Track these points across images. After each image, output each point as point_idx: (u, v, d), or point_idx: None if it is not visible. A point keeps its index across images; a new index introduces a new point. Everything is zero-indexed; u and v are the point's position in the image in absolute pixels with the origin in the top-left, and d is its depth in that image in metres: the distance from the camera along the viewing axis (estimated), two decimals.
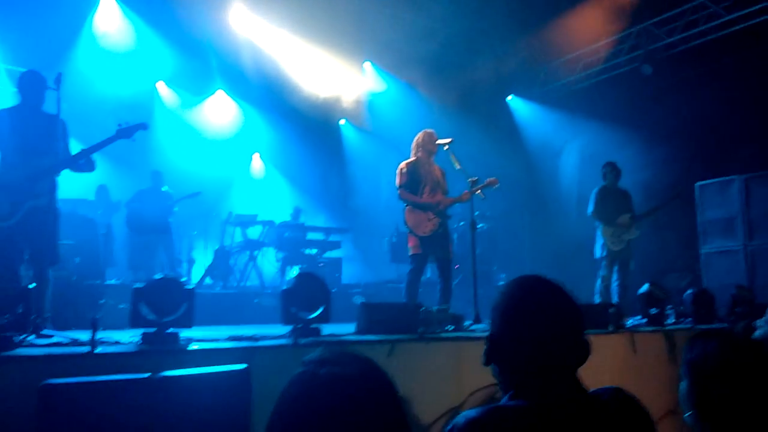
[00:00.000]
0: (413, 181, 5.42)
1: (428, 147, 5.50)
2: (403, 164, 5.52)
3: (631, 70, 9.24)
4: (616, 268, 6.75)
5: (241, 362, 2.52)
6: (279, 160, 12.18)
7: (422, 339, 3.47)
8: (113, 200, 8.37)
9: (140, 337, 2.98)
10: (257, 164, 12.47)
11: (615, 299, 6.48)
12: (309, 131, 11.40)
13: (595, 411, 1.33)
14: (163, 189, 8.24)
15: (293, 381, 1.06)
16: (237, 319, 6.54)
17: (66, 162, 4.11)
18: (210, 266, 8.58)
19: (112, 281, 6.78)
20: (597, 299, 6.59)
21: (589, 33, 9.29)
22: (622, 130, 8.98)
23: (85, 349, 2.68)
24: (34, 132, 4.06)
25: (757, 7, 7.75)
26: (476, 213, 5.77)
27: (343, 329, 3.96)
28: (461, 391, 3.27)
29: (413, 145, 5.58)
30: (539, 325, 1.36)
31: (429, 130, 5.59)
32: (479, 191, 5.32)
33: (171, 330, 3.03)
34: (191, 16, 8.57)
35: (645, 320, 4.96)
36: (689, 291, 5.24)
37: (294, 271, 8.55)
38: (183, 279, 7.92)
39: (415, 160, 5.54)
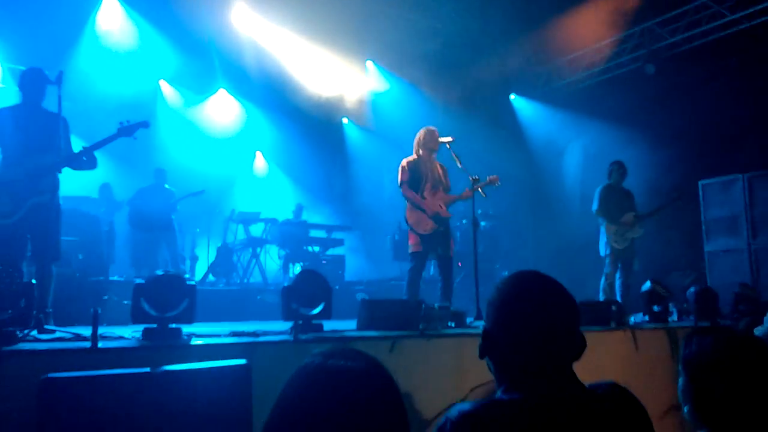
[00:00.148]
0: (415, 178, 5.42)
1: (429, 144, 5.49)
2: (404, 161, 5.52)
3: (634, 69, 9.23)
4: (619, 267, 6.74)
5: (242, 357, 2.53)
6: (282, 159, 12.20)
7: (423, 335, 3.48)
8: (116, 199, 8.40)
9: (142, 332, 2.99)
10: (260, 162, 12.50)
11: (618, 297, 6.48)
12: (311, 130, 11.41)
13: (590, 405, 1.32)
14: (165, 186, 8.26)
15: (300, 370, 1.08)
16: (240, 316, 6.56)
17: (68, 159, 4.13)
18: (213, 263, 8.60)
19: (116, 278, 6.81)
20: (601, 297, 6.58)
21: (591, 32, 9.27)
22: (625, 129, 8.96)
23: (87, 344, 2.69)
24: (36, 130, 4.08)
25: (760, 6, 7.73)
26: (479, 211, 5.79)
27: (345, 326, 3.97)
28: (462, 387, 3.28)
29: (415, 142, 5.58)
30: (532, 320, 1.37)
31: (430, 128, 5.59)
32: (480, 189, 5.31)
33: (173, 325, 3.04)
34: (193, 15, 8.59)
35: (648, 318, 4.96)
36: (692, 288, 5.23)
37: (297, 269, 8.58)
38: (186, 276, 7.95)
39: (416, 157, 5.54)
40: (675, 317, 5.20)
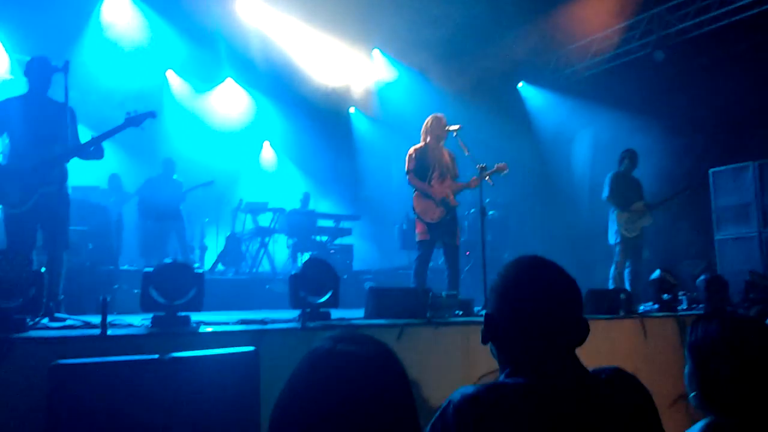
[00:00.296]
0: (422, 166, 5.40)
1: (437, 132, 5.46)
2: (411, 149, 5.50)
3: (643, 56, 9.12)
4: (629, 255, 6.71)
5: (250, 345, 2.54)
6: (289, 148, 12.20)
7: (431, 323, 3.48)
8: (125, 189, 8.44)
9: (151, 320, 3.01)
10: (267, 152, 12.50)
11: (627, 286, 6.45)
12: (319, 119, 11.40)
13: (593, 389, 1.32)
14: (173, 177, 8.29)
15: (309, 355, 1.08)
16: (249, 305, 6.59)
17: (76, 149, 4.14)
18: (222, 253, 8.64)
19: (126, 267, 6.85)
20: (611, 285, 6.55)
21: (600, 19, 9.17)
22: (634, 117, 8.88)
23: (96, 331, 2.71)
24: (44, 120, 4.09)
25: None
26: (487, 200, 5.75)
27: (353, 314, 3.98)
28: (470, 375, 3.28)
29: (422, 130, 5.56)
30: (533, 304, 1.36)
31: (438, 114, 5.55)
32: (488, 177, 5.28)
33: (181, 313, 3.05)
34: (199, 4, 8.57)
35: (657, 306, 4.94)
36: (702, 277, 5.20)
37: (305, 258, 8.59)
38: (196, 265, 7.99)
39: (424, 145, 5.51)
40: (685, 306, 5.17)
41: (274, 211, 9.20)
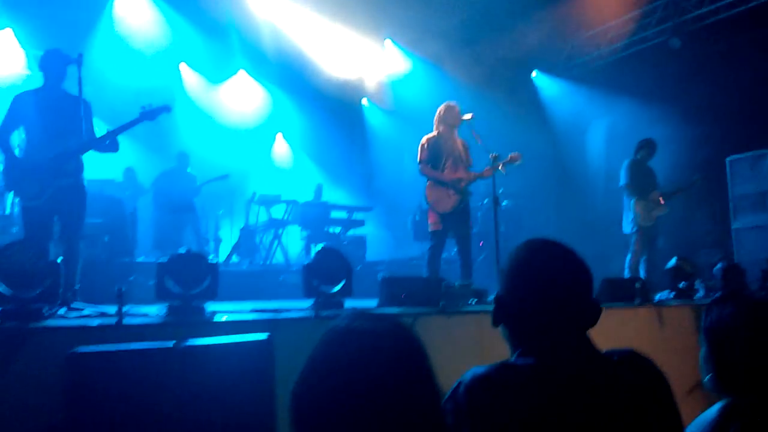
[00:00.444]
0: (435, 155, 5.37)
1: (449, 120, 5.43)
2: (424, 139, 5.47)
3: (659, 43, 8.98)
4: (644, 244, 6.65)
5: (264, 333, 2.56)
6: (302, 140, 12.21)
7: (444, 312, 3.47)
8: (140, 183, 8.51)
9: (166, 308, 3.04)
10: (280, 145, 12.52)
11: (643, 275, 6.40)
12: (332, 111, 11.39)
13: (605, 370, 1.31)
14: (187, 171, 8.35)
15: (326, 333, 1.09)
16: (263, 296, 6.62)
17: (91, 143, 4.17)
18: (236, 244, 8.68)
19: (141, 258, 6.91)
20: (627, 275, 6.50)
21: (614, 6, 9.05)
22: (650, 105, 8.77)
23: (113, 320, 2.74)
24: (59, 113, 4.12)
25: None
26: (500, 190, 5.72)
27: (366, 304, 3.98)
28: (483, 363, 3.27)
29: (435, 118, 5.53)
30: (541, 284, 1.36)
31: (451, 103, 5.52)
32: (501, 167, 5.25)
33: (196, 303, 3.08)
34: None
35: (673, 294, 4.89)
36: (719, 265, 5.14)
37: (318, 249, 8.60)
38: (211, 257, 8.05)
39: (436, 134, 5.48)
40: (702, 294, 5.12)
41: (288, 203, 9.22)
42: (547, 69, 10.72)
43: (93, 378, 2.07)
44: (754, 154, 7.61)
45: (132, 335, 2.62)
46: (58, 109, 4.12)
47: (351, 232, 9.25)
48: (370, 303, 4.07)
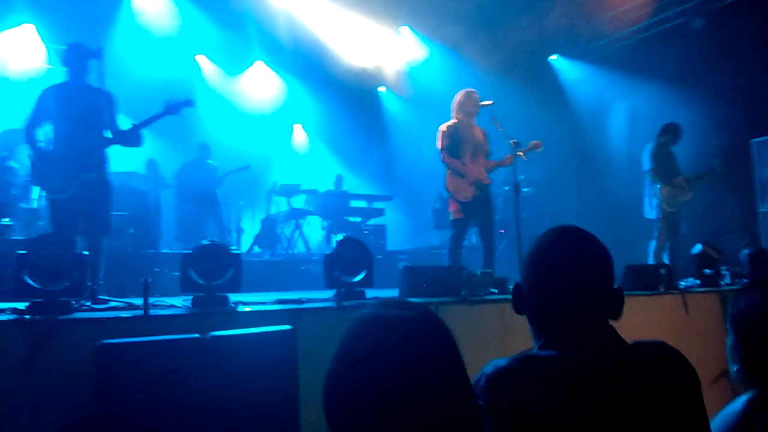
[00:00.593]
0: (454, 143, 5.33)
1: (468, 108, 5.37)
2: (443, 126, 5.43)
3: (681, 24, 8.78)
4: (668, 229, 6.55)
5: (287, 324, 2.58)
6: (320, 130, 12.22)
7: (466, 301, 3.47)
8: (162, 175, 8.60)
9: (191, 300, 3.08)
10: (299, 134, 12.56)
11: (666, 260, 6.31)
12: (349, 100, 11.37)
13: (630, 362, 1.29)
14: (209, 162, 8.42)
15: (354, 322, 1.09)
16: (285, 286, 6.67)
17: (116, 136, 4.22)
18: (258, 235, 8.76)
19: (166, 250, 7.00)
20: (651, 261, 6.42)
21: None
22: (672, 87, 8.59)
23: (139, 312, 2.78)
24: (85, 107, 4.16)
25: None
26: (521, 177, 5.67)
27: (387, 294, 4.00)
28: (505, 352, 3.25)
29: (453, 106, 5.47)
30: (559, 273, 1.35)
31: (469, 90, 5.45)
32: (522, 154, 5.20)
33: (220, 293, 3.12)
34: None
35: (699, 281, 4.83)
36: (746, 251, 5.05)
37: (339, 239, 8.64)
38: (233, 247, 8.12)
39: (455, 122, 5.44)
40: (728, 280, 5.04)
41: (308, 192, 9.26)
42: (567, 52, 10.55)
43: (121, 368, 2.12)
44: None
45: (158, 326, 2.66)
46: (83, 103, 4.16)
47: (371, 222, 9.26)
48: (392, 293, 4.09)
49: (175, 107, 4.23)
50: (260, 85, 11.41)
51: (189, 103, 4.31)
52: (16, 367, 2.39)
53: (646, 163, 6.59)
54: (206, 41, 10.08)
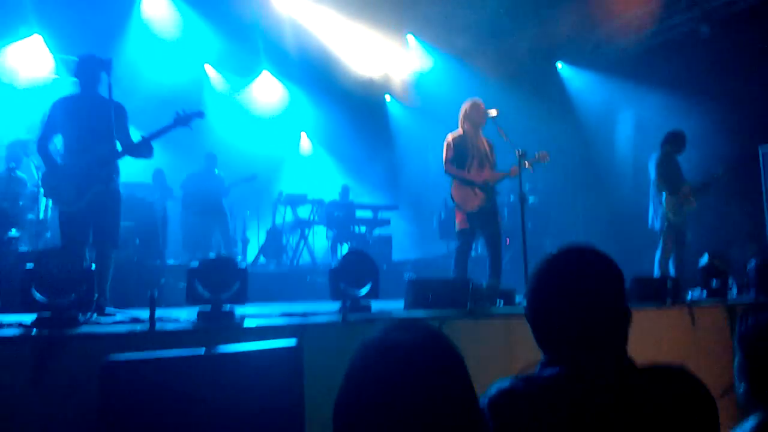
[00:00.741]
0: (460, 154, 5.33)
1: (474, 118, 5.38)
2: (449, 137, 5.43)
3: (688, 31, 8.78)
4: (675, 240, 6.51)
5: (292, 338, 2.58)
6: (326, 139, 12.25)
7: (472, 315, 3.46)
8: (169, 185, 8.62)
9: (196, 314, 3.08)
10: (305, 144, 12.59)
11: (673, 272, 6.27)
12: (355, 109, 11.40)
13: (636, 383, 1.28)
14: (215, 172, 8.44)
15: (362, 348, 1.09)
16: (290, 296, 6.68)
17: (127, 148, 4.22)
18: (263, 245, 8.77)
19: (171, 261, 7.02)
20: (656, 272, 6.38)
21: None
22: (679, 95, 8.58)
23: (145, 326, 2.79)
24: (96, 118, 4.14)
25: None
26: (527, 186, 5.65)
27: (393, 305, 3.99)
28: (512, 367, 3.25)
29: (460, 116, 5.48)
30: (561, 291, 1.34)
31: (476, 100, 5.46)
32: (528, 165, 5.19)
33: (226, 307, 3.12)
34: None
35: (705, 293, 4.79)
36: (753, 262, 5.01)
37: (344, 249, 8.66)
38: (238, 258, 8.15)
39: (462, 132, 5.44)
40: (735, 292, 5.00)
41: (313, 203, 9.28)
42: (573, 60, 10.55)
43: (126, 385, 2.11)
44: None
45: (164, 341, 2.66)
46: (95, 115, 4.15)
47: (377, 231, 9.27)
48: (397, 304, 4.08)
49: (186, 118, 4.24)
50: (267, 95, 11.46)
51: (200, 114, 4.33)
52: (21, 382, 2.39)
53: (653, 173, 6.56)
54: (213, 51, 10.14)
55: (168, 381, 2.16)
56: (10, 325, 2.76)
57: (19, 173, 6.49)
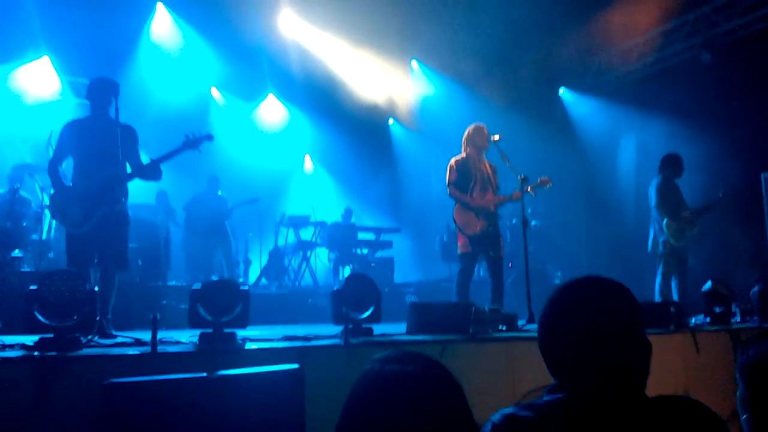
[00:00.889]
0: (463, 178, 5.37)
1: (478, 142, 5.43)
2: (453, 161, 5.48)
3: (689, 58, 8.87)
4: (674, 266, 6.49)
5: (295, 361, 2.57)
6: (329, 162, 12.32)
7: (474, 339, 3.45)
8: (172, 206, 8.66)
9: (198, 336, 3.08)
10: (308, 166, 12.66)
11: (675, 298, 6.25)
12: (359, 133, 11.47)
13: (646, 414, 1.27)
14: (218, 194, 8.49)
15: (360, 379, 1.10)
16: (292, 319, 6.67)
17: (137, 170, 4.23)
18: (265, 267, 8.77)
19: (173, 283, 7.02)
20: (657, 297, 6.35)
21: (643, 21, 8.98)
22: (681, 121, 8.64)
23: (147, 349, 2.79)
24: (106, 141, 4.13)
25: None
26: (529, 210, 5.68)
27: (395, 329, 3.98)
28: (515, 392, 3.23)
29: (463, 140, 5.54)
30: (567, 320, 1.34)
31: (479, 124, 5.52)
32: (531, 190, 5.22)
33: (227, 330, 3.11)
34: (242, 24, 8.79)
35: (709, 319, 4.77)
36: (756, 288, 4.99)
37: (346, 271, 8.65)
38: (240, 280, 8.15)
39: (465, 156, 5.48)
40: (738, 318, 4.98)
41: (316, 224, 9.29)
42: (576, 86, 10.66)
43: (128, 408, 2.11)
44: None
45: (166, 364, 2.66)
46: (105, 138, 4.14)
47: (379, 254, 9.26)
48: (399, 327, 4.07)
49: (195, 141, 4.26)
50: (272, 118, 11.57)
51: (209, 137, 4.35)
52: (23, 403, 2.39)
53: (653, 198, 6.58)
54: (220, 75, 10.25)
55: (169, 404, 2.15)
56: (12, 346, 2.76)
57: (23, 194, 6.53)
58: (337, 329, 3.48)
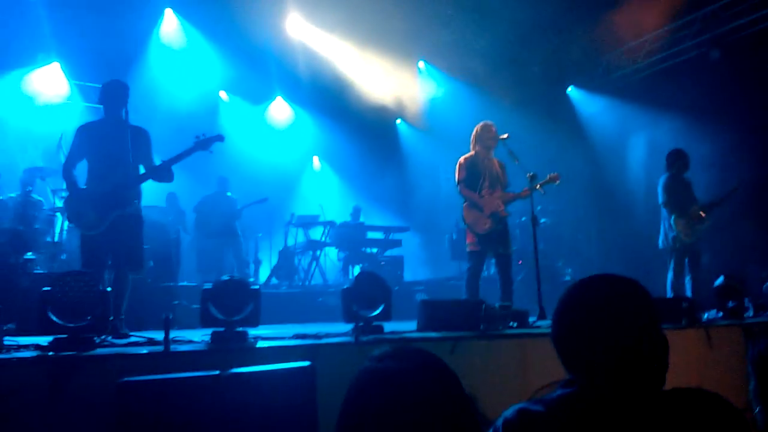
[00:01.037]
0: (472, 175, 5.37)
1: (486, 141, 5.43)
2: (462, 159, 5.49)
3: (697, 56, 8.81)
4: (687, 261, 6.45)
5: (306, 359, 2.59)
6: (338, 162, 12.36)
7: (485, 336, 3.45)
8: (182, 208, 8.71)
9: (210, 335, 3.10)
10: (317, 166, 12.70)
11: (688, 294, 6.21)
12: (367, 133, 11.50)
13: (663, 407, 1.26)
14: (228, 194, 8.52)
15: (357, 377, 1.10)
16: (302, 317, 6.69)
17: (149, 172, 4.26)
18: (275, 266, 8.80)
19: (185, 283, 7.05)
20: (669, 294, 6.32)
21: (651, 19, 8.92)
22: (690, 118, 8.58)
23: (160, 348, 2.81)
24: (120, 143, 4.15)
25: None
26: (538, 207, 5.66)
27: (405, 327, 3.98)
28: (527, 387, 3.23)
29: (471, 138, 5.55)
30: (586, 318, 1.34)
31: (487, 122, 5.52)
32: (539, 187, 5.21)
33: (239, 329, 3.13)
34: (250, 27, 8.82)
35: (721, 314, 4.74)
36: None
37: (356, 270, 8.67)
38: (251, 280, 8.18)
39: (473, 154, 5.49)
40: (752, 313, 4.94)
41: (325, 224, 9.32)
42: (584, 84, 10.61)
43: (142, 406, 2.13)
44: None
45: (178, 363, 2.68)
46: (119, 140, 4.16)
47: (388, 252, 9.27)
48: (409, 325, 4.07)
49: (206, 142, 4.28)
50: (280, 119, 11.61)
51: (219, 138, 4.36)
52: (38, 402, 2.42)
53: (661, 196, 6.54)
54: (228, 77, 10.30)
55: (182, 402, 2.17)
56: (27, 347, 2.79)
57: (35, 196, 6.59)
58: (347, 327, 3.50)
